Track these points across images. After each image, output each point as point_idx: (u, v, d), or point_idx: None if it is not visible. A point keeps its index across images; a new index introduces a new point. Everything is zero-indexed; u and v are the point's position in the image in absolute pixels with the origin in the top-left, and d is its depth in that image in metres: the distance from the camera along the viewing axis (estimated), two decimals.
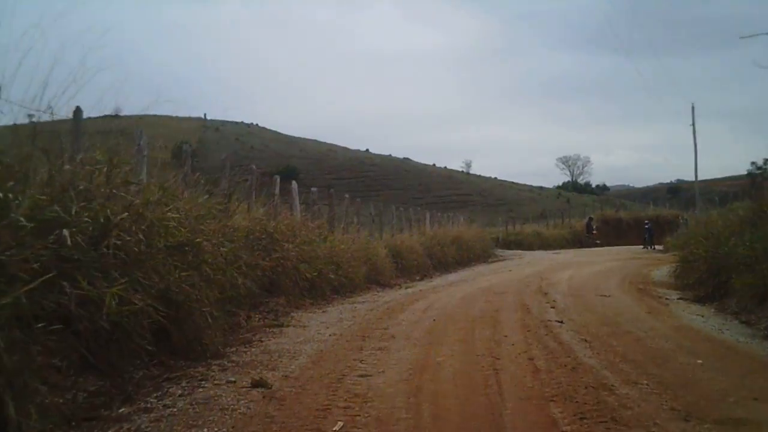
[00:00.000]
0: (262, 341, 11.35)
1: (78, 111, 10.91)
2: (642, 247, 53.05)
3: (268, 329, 12.53)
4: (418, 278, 27.42)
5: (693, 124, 60.30)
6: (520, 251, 48.63)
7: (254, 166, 18.51)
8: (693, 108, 60.66)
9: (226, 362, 9.58)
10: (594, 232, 59.15)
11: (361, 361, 9.63)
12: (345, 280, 19.81)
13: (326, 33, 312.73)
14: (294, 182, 21.84)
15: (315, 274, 17.50)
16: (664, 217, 63.44)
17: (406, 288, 22.65)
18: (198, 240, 10.66)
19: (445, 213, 46.65)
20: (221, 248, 11.96)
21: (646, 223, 55.21)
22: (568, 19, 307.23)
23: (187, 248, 10.30)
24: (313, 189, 23.19)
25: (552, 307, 15.10)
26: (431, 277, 28.40)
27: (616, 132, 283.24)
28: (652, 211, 71.17)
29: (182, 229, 10.26)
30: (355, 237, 24.55)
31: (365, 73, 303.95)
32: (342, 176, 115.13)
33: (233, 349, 10.59)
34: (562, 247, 55.65)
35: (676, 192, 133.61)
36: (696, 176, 61.08)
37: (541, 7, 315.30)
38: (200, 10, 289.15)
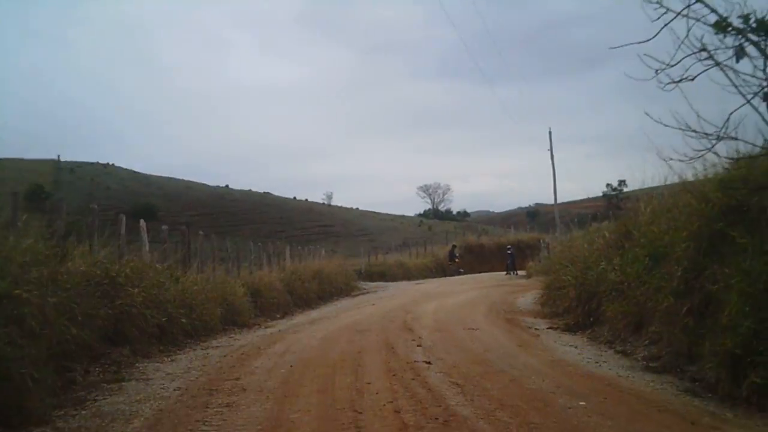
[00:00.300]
0: (96, 400, 10.16)
1: None
2: (505, 273, 52.75)
3: (106, 384, 11.33)
4: (278, 316, 26.29)
5: (551, 149, 60.82)
6: (383, 283, 47.64)
7: (95, 206, 16.98)
8: (550, 132, 61.13)
9: (49, 430, 8.34)
10: (457, 259, 58.48)
11: (204, 423, 8.54)
12: (199, 323, 18.59)
13: (185, 71, 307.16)
14: (142, 220, 20.47)
15: (164, 319, 16.26)
16: (525, 242, 63.80)
17: (266, 328, 21.52)
18: (17, 291, 9.36)
19: (307, 246, 45.52)
20: (49, 298, 10.69)
21: (508, 249, 55.19)
22: (426, 49, 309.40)
23: (4, 301, 9.02)
24: (164, 227, 21.76)
25: (418, 345, 14.18)
26: (292, 315, 27.29)
27: (477, 159, 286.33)
28: (513, 235, 71.60)
29: None
30: (211, 276, 23.32)
31: (225, 109, 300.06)
32: (202, 212, 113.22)
33: (62, 411, 9.43)
34: (425, 276, 54.91)
35: (534, 215, 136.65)
36: (555, 199, 61.92)
37: (397, 37, 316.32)
38: (56, 50, 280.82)
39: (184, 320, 17.39)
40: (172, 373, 12.40)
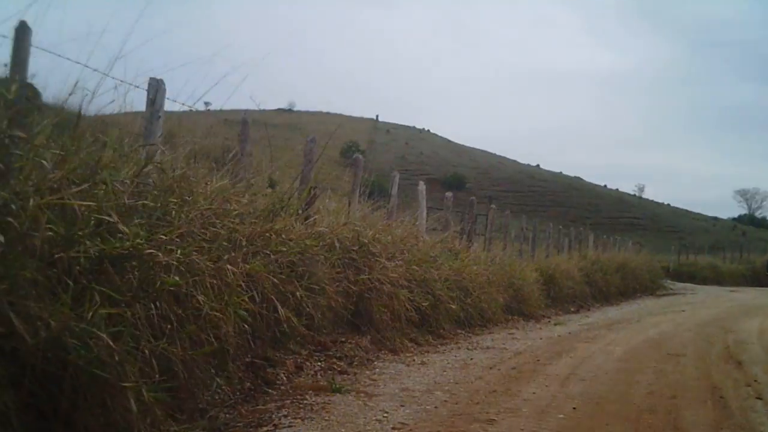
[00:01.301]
0: (278, 425, 6.62)
1: None
2: None
3: (312, 393, 7.84)
4: (573, 310, 22.74)
5: None
6: (692, 285, 42.52)
7: (360, 156, 13.62)
8: None
9: None
10: None
11: None
12: (473, 310, 15.13)
13: (505, 48, 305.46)
14: (422, 183, 17.13)
15: (427, 303, 12.77)
16: None
17: (555, 325, 17.99)
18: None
19: (612, 236, 40.67)
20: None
21: None
22: (757, 50, 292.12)
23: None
24: (448, 194, 18.29)
25: (757, 398, 9.72)
26: (588, 309, 23.66)
27: None
28: None
29: None
30: (499, 255, 19.76)
31: (541, 89, 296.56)
32: (509, 189, 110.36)
33: None
34: (738, 284, 48.58)
35: None
36: None
37: (730, 37, 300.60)
38: (386, 14, 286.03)
39: (453, 306, 13.92)
40: (409, 388, 8.68)
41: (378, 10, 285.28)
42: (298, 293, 8.71)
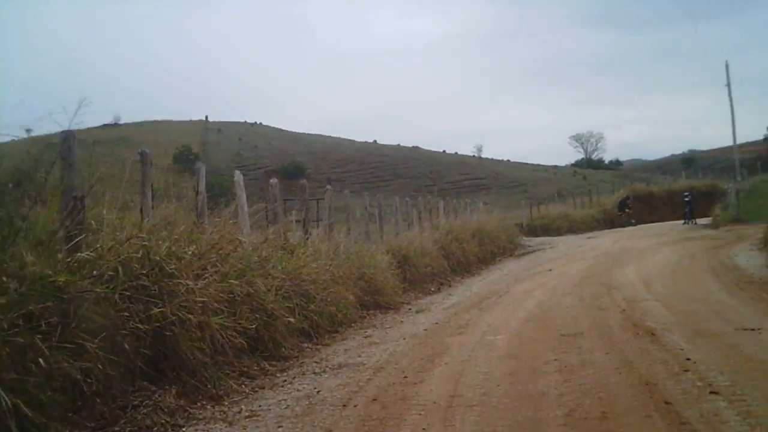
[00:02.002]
0: None
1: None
2: (683, 222, 45.45)
3: None
4: (433, 289, 20.61)
5: (728, 84, 51.68)
6: (548, 238, 40.73)
7: (147, 150, 10.45)
8: (727, 66, 52.00)
9: None
10: (628, 210, 51.13)
11: None
12: (320, 317, 12.38)
13: (326, 30, 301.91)
14: (237, 172, 14.06)
15: (255, 325, 9.89)
16: (698, 189, 55.24)
17: (417, 312, 15.75)
18: None
19: (462, 200, 38.10)
20: None
21: (686, 196, 47.19)
22: None
23: None
24: (273, 181, 15.14)
25: (713, 392, 6.88)
26: (450, 285, 21.60)
27: (626, 107, 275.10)
28: (684, 182, 63.25)
29: None
30: (343, 243, 17.11)
31: (369, 66, 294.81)
32: (350, 169, 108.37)
33: None
34: (592, 228, 47.69)
35: (690, 162, 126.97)
36: (734, 140, 52.70)
37: None
38: (195, 11, 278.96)
39: (292, 319, 11.12)
40: None
41: (188, 8, 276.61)
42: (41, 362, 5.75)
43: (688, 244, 28.72)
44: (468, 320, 13.44)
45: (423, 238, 23.00)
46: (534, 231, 43.56)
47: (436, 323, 13.51)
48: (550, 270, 22.71)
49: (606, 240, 35.50)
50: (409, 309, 16.44)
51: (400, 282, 18.57)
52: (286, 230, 14.92)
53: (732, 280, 16.46)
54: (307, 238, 15.29)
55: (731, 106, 51.34)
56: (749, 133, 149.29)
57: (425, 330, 12.81)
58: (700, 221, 44.09)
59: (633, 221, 49.42)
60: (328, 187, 18.73)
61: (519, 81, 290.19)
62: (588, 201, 56.09)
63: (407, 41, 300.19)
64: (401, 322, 14.33)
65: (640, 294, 14.77)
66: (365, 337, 12.57)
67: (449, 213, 30.81)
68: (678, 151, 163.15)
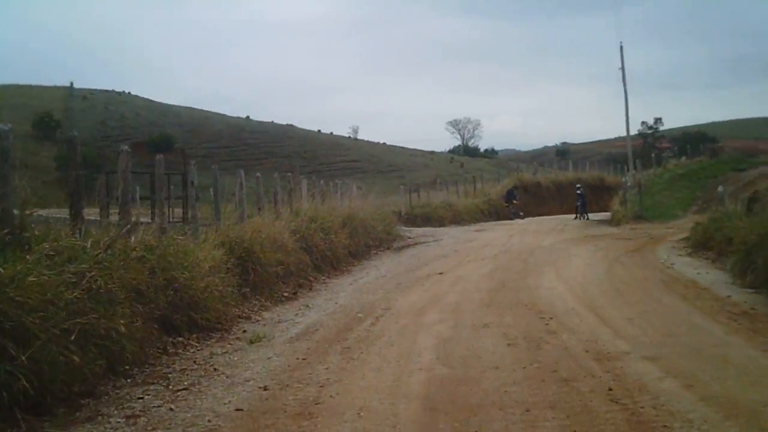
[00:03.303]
0: None
1: None
2: (574, 216, 40.65)
3: None
4: (286, 294, 15.01)
5: (622, 68, 46.97)
6: (431, 229, 34.96)
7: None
8: (621, 48, 47.27)
9: None
10: (516, 201, 46.23)
11: None
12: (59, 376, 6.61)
13: (204, 2, 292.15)
14: None
15: None
16: (584, 180, 50.70)
17: (251, 342, 10.12)
18: None
19: (332, 181, 31.55)
20: None
21: (578, 188, 42.49)
22: None
23: None
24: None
25: None
26: (310, 289, 16.23)
27: (502, 98, 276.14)
28: (571, 174, 58.91)
29: None
30: (145, 236, 11.11)
31: (243, 41, 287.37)
32: (221, 145, 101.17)
33: None
34: (477, 219, 42.31)
35: (564, 153, 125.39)
36: (627, 130, 48.24)
37: None
38: None
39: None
40: None
41: None
42: None
43: (598, 243, 23.95)
44: (323, 381, 7.65)
45: (276, 226, 17.07)
46: (414, 221, 37.70)
47: (264, 388, 7.54)
48: (441, 274, 17.17)
49: (498, 234, 30.20)
50: (244, 332, 10.93)
51: (237, 287, 12.81)
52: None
53: (713, 308, 11.29)
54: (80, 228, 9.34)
55: (625, 90, 47.20)
56: (623, 128, 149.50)
57: (251, 396, 7.17)
58: (593, 216, 39.88)
59: (521, 214, 44.47)
60: (125, 148, 12.29)
61: (396, 66, 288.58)
62: (471, 190, 50.34)
63: (285, 18, 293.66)
64: (213, 371, 8.43)
65: (603, 336, 9.24)
66: (133, 415, 6.73)
67: (315, 196, 24.63)
68: (551, 143, 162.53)
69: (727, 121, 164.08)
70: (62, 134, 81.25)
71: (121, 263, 8.98)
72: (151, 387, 7.70)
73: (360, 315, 11.86)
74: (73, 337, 6.96)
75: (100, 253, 8.59)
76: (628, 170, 46.37)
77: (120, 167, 11.39)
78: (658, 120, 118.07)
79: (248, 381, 7.82)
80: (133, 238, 10.19)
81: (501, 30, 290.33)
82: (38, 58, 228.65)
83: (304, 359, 8.73)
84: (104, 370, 7.69)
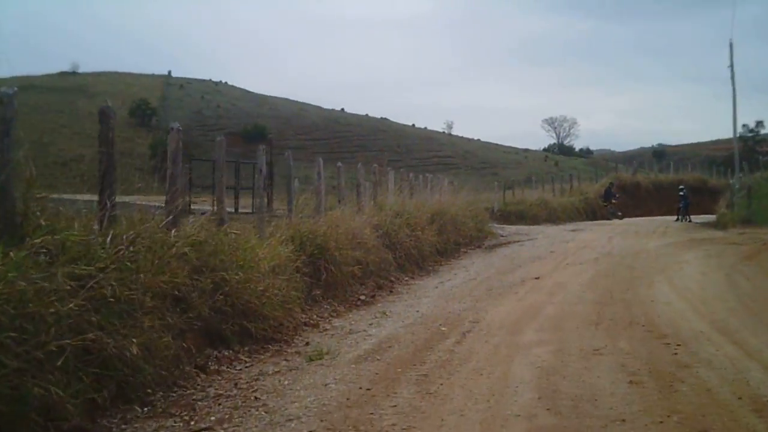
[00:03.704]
0: None
1: None
2: (675, 218, 38.19)
3: None
4: (363, 298, 13.36)
5: (731, 65, 44.22)
6: (525, 227, 32.94)
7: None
8: (731, 45, 44.51)
9: None
10: (614, 200, 43.54)
11: None
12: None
13: None
14: None
15: None
16: (686, 182, 47.94)
17: (309, 360, 8.47)
18: None
19: (424, 175, 29.50)
20: None
21: (681, 189, 39.95)
22: None
23: None
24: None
25: None
26: (391, 291, 14.52)
27: (598, 97, 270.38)
28: (672, 175, 56.16)
29: None
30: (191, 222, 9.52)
31: (342, 35, 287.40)
32: (315, 137, 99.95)
33: None
34: (573, 219, 40.11)
35: (661, 156, 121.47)
36: (735, 131, 44.97)
37: None
38: None
39: None
40: None
41: None
42: None
43: (708, 248, 21.65)
44: (386, 428, 5.84)
45: (357, 220, 15.36)
46: (507, 218, 35.68)
47: None
48: (538, 279, 15.23)
49: (596, 234, 28.02)
50: (306, 344, 9.30)
51: (305, 290, 11.14)
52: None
53: None
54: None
55: (733, 89, 43.75)
56: (721, 131, 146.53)
57: None
58: (695, 219, 37.24)
59: (619, 214, 41.86)
60: (220, 138, 10.51)
61: (492, 61, 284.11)
62: (568, 188, 47.93)
63: (383, 14, 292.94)
64: (253, 400, 6.71)
65: (753, 373, 7.10)
66: None
67: (403, 189, 22.83)
68: (647, 144, 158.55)
69: None
70: (158, 122, 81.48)
71: (152, 262, 7.31)
72: (169, 421, 6.03)
73: (443, 329, 10.03)
74: (59, 362, 5.29)
75: (121, 249, 6.92)
76: (734, 172, 43.54)
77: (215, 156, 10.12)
78: (759, 123, 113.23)
79: (291, 420, 6.07)
80: (173, 231, 8.47)
81: (600, 29, 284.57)
82: (139, 47, 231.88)
83: (368, 390, 6.93)
84: (114, 397, 6.03)
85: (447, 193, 27.54)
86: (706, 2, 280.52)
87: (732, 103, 43.54)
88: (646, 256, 19.57)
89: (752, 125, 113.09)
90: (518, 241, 25.62)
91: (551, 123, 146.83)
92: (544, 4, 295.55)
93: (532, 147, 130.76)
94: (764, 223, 31.34)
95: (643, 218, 41.76)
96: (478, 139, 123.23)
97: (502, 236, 27.42)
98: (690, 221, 36.85)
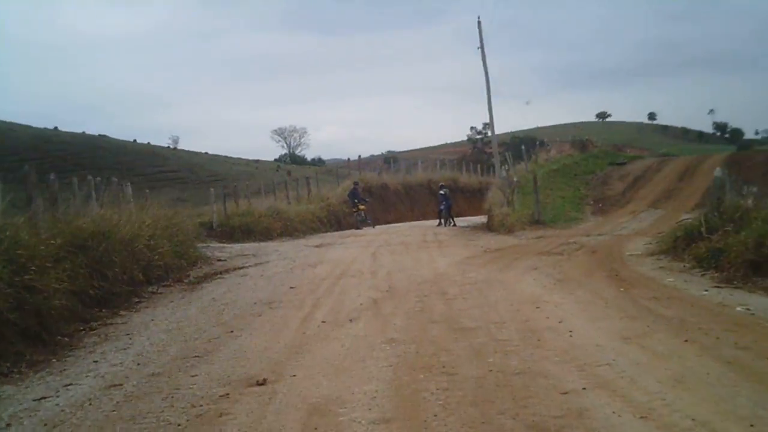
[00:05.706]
0: None
1: None
2: (437, 223, 31.16)
3: None
4: None
5: (481, 46, 38.20)
6: (254, 245, 23.64)
7: None
8: (479, 23, 38.64)
9: None
10: (362, 206, 33.75)
11: None
12: None
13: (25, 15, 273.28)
14: None
15: None
16: (435, 181, 40.78)
17: None
18: None
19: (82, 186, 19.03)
20: None
21: (442, 189, 32.92)
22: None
23: None
24: None
25: None
26: None
27: (325, 109, 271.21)
28: (420, 174, 48.94)
29: None
30: None
31: (57, 55, 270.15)
32: (26, 157, 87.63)
33: None
34: (315, 230, 31.04)
35: (394, 161, 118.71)
36: (492, 128, 41.68)
37: None
38: None
39: None
40: None
41: None
42: None
43: (526, 263, 14.58)
44: None
45: None
46: (231, 234, 26.23)
47: None
48: (262, 384, 6.11)
49: (353, 251, 19.27)
50: None
51: None
52: None
53: None
54: None
55: (486, 79, 38.09)
56: (450, 135, 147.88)
57: None
58: (460, 222, 31.03)
59: (369, 221, 32.86)
60: None
61: (219, 78, 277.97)
62: (305, 194, 38.24)
63: (109, 34, 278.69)
64: None
65: None
66: None
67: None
68: (377, 152, 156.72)
69: (549, 127, 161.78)
70: None
71: None
72: None
73: None
74: None
75: None
76: (505, 166, 36.63)
77: None
78: (486, 125, 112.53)
79: None
80: None
81: (321, 44, 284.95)
82: None
83: None
84: None
85: (134, 206, 17.90)
86: (429, 15, 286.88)
87: (486, 91, 38.09)
88: (453, 289, 11.21)
89: (480, 127, 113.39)
90: (241, 267, 16.56)
91: (281, 133, 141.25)
92: (273, 22, 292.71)
93: (264, 158, 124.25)
94: (552, 222, 24.88)
95: (399, 224, 34.92)
96: (206, 153, 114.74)
97: (220, 261, 18.10)
98: (455, 225, 30.37)
